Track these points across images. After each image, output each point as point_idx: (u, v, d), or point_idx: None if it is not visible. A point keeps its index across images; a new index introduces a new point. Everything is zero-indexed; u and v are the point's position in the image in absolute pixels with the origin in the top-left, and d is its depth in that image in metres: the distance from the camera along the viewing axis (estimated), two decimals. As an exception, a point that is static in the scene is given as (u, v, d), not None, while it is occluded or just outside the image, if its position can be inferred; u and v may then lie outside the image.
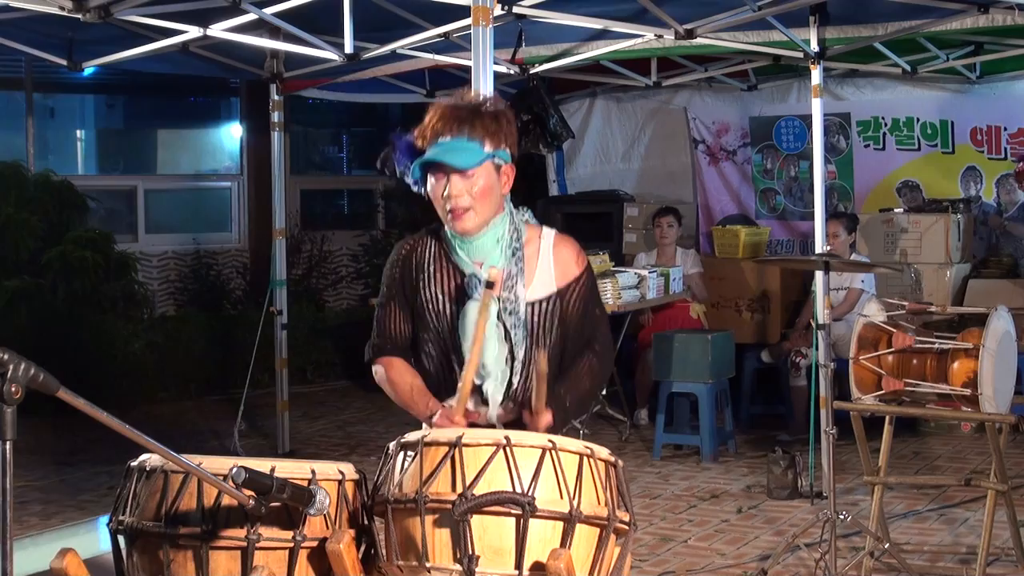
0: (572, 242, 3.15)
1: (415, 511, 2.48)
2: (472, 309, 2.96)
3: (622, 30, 6.92)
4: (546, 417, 2.90)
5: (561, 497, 2.48)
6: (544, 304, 3.04)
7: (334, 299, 11.94)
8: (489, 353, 2.97)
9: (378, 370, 3.11)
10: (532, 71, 8.30)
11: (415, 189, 3.06)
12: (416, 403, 3.01)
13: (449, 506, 2.44)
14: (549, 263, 3.07)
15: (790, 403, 8.17)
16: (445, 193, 2.95)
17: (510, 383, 3.00)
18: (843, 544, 5.35)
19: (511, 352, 2.99)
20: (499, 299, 2.96)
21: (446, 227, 3.03)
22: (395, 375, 3.07)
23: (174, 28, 6.61)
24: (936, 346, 4.83)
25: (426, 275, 3.06)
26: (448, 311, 3.03)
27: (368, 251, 12.09)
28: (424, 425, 3.04)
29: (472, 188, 2.94)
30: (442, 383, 3.05)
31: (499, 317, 2.97)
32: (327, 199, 13.08)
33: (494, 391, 3.00)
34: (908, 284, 8.38)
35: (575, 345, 3.08)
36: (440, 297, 3.04)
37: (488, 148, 2.95)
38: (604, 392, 7.73)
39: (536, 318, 3.02)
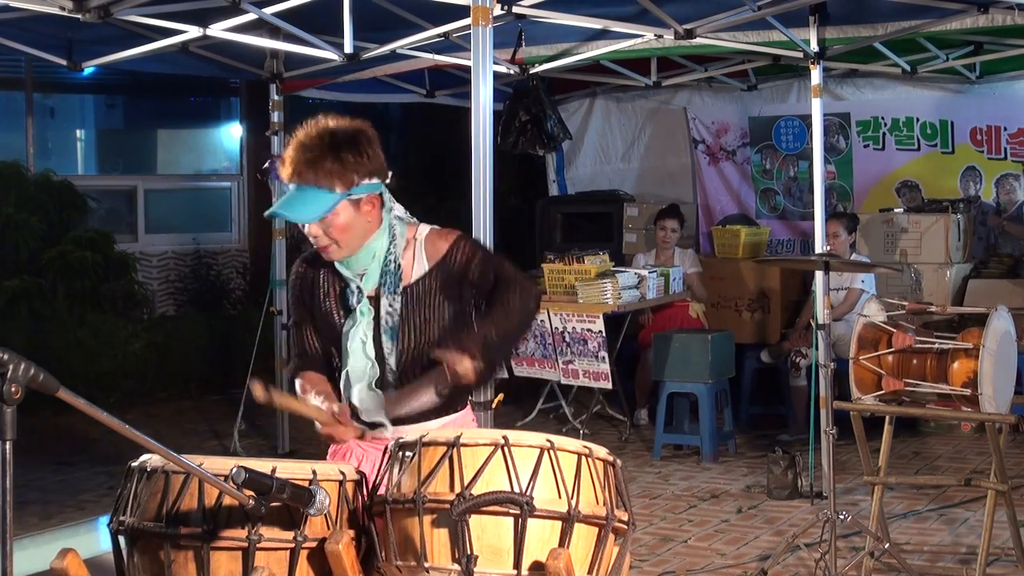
0: (442, 231, 3.15)
1: (413, 511, 2.48)
2: (352, 322, 3.05)
3: (622, 30, 6.92)
4: (463, 359, 2.87)
5: (559, 497, 2.48)
6: (423, 281, 3.06)
7: (334, 299, 11.93)
8: (355, 365, 3.05)
9: (296, 385, 3.16)
10: (532, 71, 8.30)
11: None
12: (311, 408, 3.05)
13: (447, 506, 2.44)
14: (422, 253, 3.10)
15: (790, 403, 8.17)
16: (306, 232, 3.03)
17: (384, 376, 3.04)
18: (843, 544, 5.35)
19: (379, 348, 3.03)
20: (370, 310, 3.04)
21: None
22: (308, 386, 3.11)
23: (174, 28, 6.61)
24: (936, 346, 4.83)
25: (321, 291, 3.14)
26: (340, 322, 3.10)
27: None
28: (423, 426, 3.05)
29: (328, 228, 2.99)
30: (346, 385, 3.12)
31: (375, 332, 3.04)
32: (327, 199, 13.07)
33: (364, 398, 3.06)
34: (908, 284, 8.38)
35: (483, 293, 3.10)
36: (333, 310, 3.12)
37: (339, 190, 2.95)
38: (604, 390, 7.73)
39: (412, 299, 3.05)
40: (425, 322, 3.05)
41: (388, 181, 3.07)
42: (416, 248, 3.11)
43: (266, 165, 3.07)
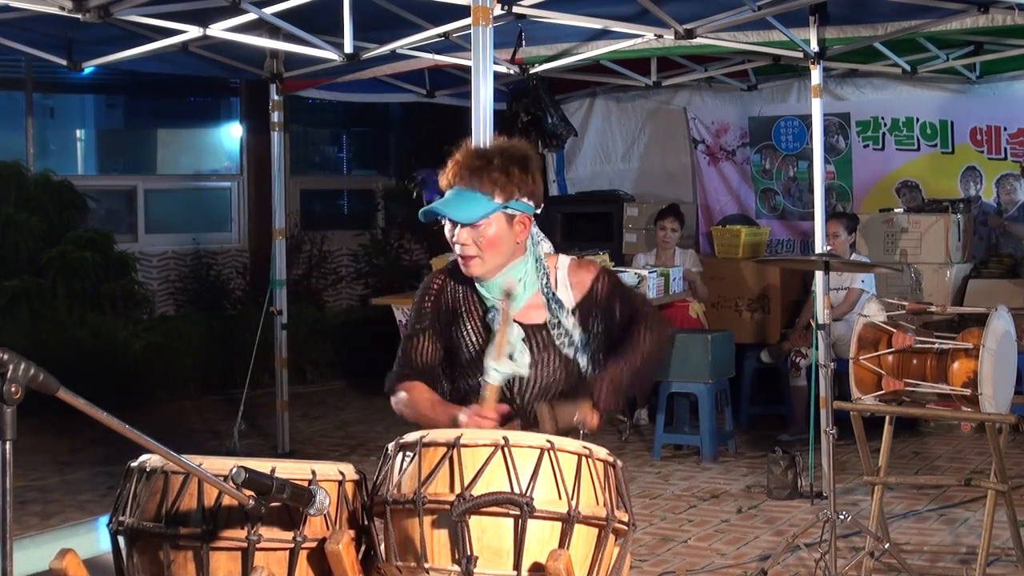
0: (583, 262, 3.20)
1: (413, 512, 2.48)
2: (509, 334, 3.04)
3: (622, 30, 6.92)
4: (592, 414, 2.93)
5: (559, 497, 2.48)
6: (573, 315, 3.09)
7: (334, 299, 11.94)
8: (519, 359, 3.03)
9: (399, 395, 3.13)
10: (532, 71, 8.30)
11: (424, 221, 3.11)
12: (438, 414, 3.03)
13: (447, 507, 2.44)
14: (567, 285, 3.12)
15: (790, 403, 8.17)
16: (453, 239, 3.03)
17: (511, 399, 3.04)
18: (843, 544, 5.35)
19: (549, 374, 3.06)
20: (535, 330, 3.05)
21: None
22: (416, 394, 3.10)
23: (174, 28, 6.61)
24: (936, 346, 4.83)
25: (462, 310, 3.12)
26: (481, 346, 3.08)
27: (368, 251, 12.09)
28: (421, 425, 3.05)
29: (479, 238, 2.99)
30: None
31: (536, 350, 3.05)
32: (327, 199, 13.08)
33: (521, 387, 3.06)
34: (908, 284, 8.38)
35: (621, 331, 3.11)
36: (473, 335, 3.10)
37: (499, 200, 2.98)
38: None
39: (552, 335, 3.07)
40: (562, 357, 3.06)
41: (538, 211, 3.09)
42: (559, 279, 3.13)
43: (418, 176, 3.13)
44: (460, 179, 2.99)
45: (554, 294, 3.07)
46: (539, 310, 3.08)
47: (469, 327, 3.10)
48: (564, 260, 3.18)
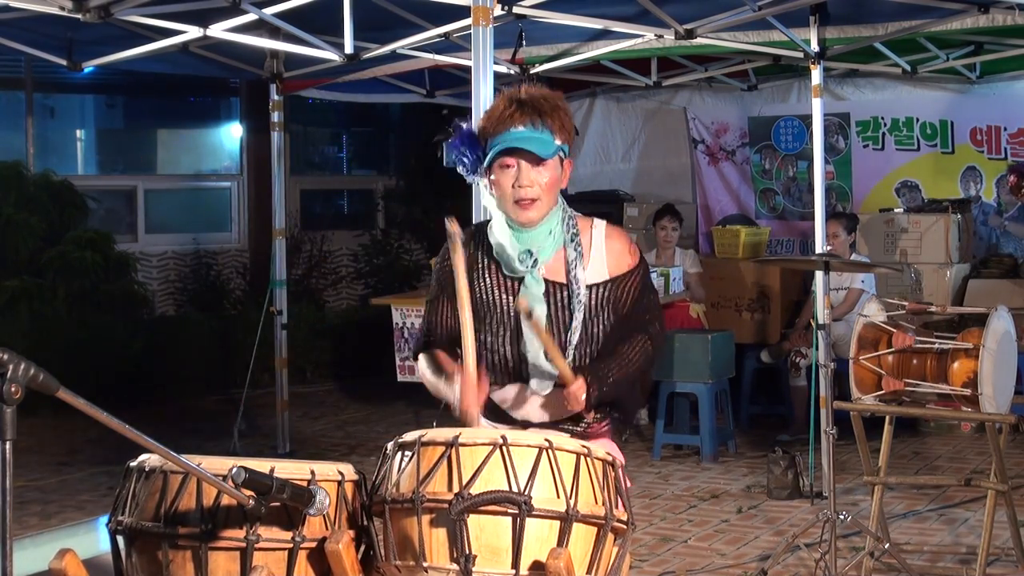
0: (623, 234, 3.18)
1: (412, 511, 2.48)
2: (530, 292, 3.00)
3: (622, 30, 6.92)
4: (577, 384, 2.89)
5: (558, 496, 2.48)
6: (599, 289, 3.05)
7: (334, 299, 11.95)
8: (539, 313, 2.99)
9: (420, 361, 3.11)
10: (532, 71, 8.30)
11: (468, 179, 3.08)
12: (440, 383, 2.99)
13: (446, 506, 2.44)
14: (602, 253, 3.08)
15: (790, 403, 8.17)
16: (516, 183, 2.97)
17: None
18: (843, 544, 5.35)
19: (563, 336, 3.00)
20: (541, 280, 3.00)
21: (504, 217, 3.03)
22: (425, 360, 3.07)
23: (174, 28, 6.61)
24: (936, 346, 4.83)
25: (480, 267, 3.07)
26: (502, 302, 3.04)
27: (368, 251, 12.09)
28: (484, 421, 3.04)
29: (542, 179, 2.97)
30: (498, 372, 3.06)
31: (544, 297, 3.00)
32: (327, 199, 13.09)
33: (539, 385, 3.03)
34: (908, 284, 8.38)
35: (626, 329, 3.08)
36: (495, 289, 3.05)
37: (558, 141, 2.98)
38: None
39: (591, 301, 3.04)
40: (589, 332, 3.03)
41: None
42: (595, 237, 3.09)
43: (441, 137, 3.01)
44: (524, 119, 2.94)
45: (579, 254, 3.02)
46: (562, 266, 3.04)
47: (492, 285, 3.04)
48: (600, 223, 3.14)
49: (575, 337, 3.01)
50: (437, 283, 3.14)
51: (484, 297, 3.05)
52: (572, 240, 3.04)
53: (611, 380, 2.98)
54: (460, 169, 3.07)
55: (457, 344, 2.96)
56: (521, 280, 3.03)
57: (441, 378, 3.00)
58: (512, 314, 3.03)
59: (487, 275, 3.06)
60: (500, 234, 3.04)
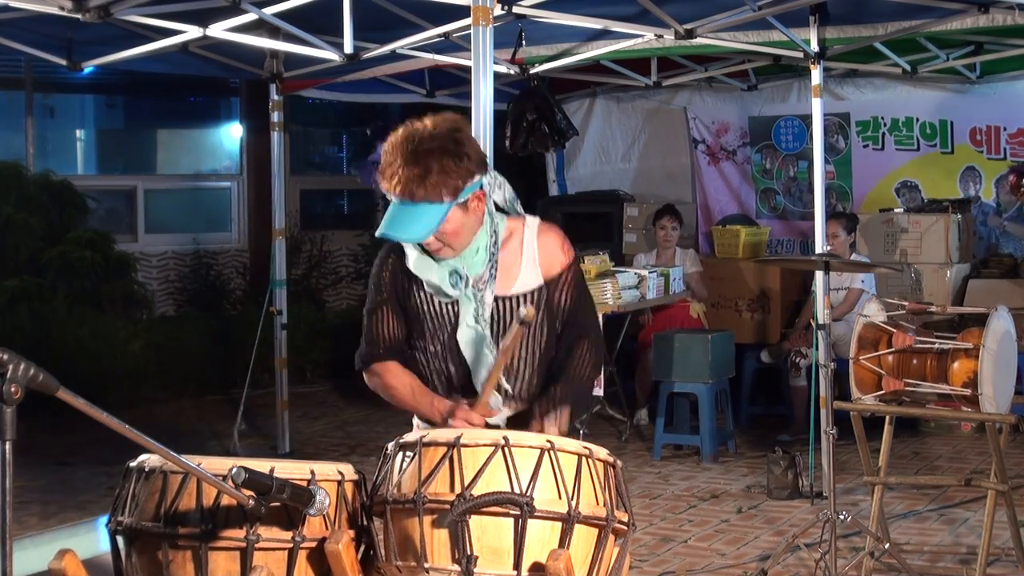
0: (556, 231, 3.14)
1: (413, 511, 2.48)
2: (467, 310, 2.99)
3: (622, 30, 6.91)
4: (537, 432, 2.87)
5: (559, 497, 2.48)
6: (533, 296, 3.04)
7: (334, 299, 11.94)
8: (471, 352, 3.01)
9: (372, 377, 3.10)
10: (532, 71, 8.30)
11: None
12: (420, 403, 3.02)
13: (447, 506, 2.44)
14: (533, 255, 3.07)
15: (790, 403, 8.17)
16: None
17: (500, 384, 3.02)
18: (843, 544, 5.34)
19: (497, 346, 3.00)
20: (475, 298, 3.00)
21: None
22: (392, 379, 3.07)
23: (174, 28, 6.60)
24: (936, 346, 4.83)
25: (417, 278, 3.06)
26: (442, 311, 3.04)
27: (368, 251, 12.07)
28: (417, 423, 3.05)
29: (442, 235, 2.94)
30: (440, 382, 3.06)
31: (476, 320, 3.00)
32: (327, 199, 13.09)
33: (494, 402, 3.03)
34: (908, 284, 8.38)
35: (569, 335, 3.08)
36: (433, 297, 3.05)
37: (447, 199, 2.89)
38: (603, 392, 7.72)
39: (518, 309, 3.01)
40: (527, 343, 3.03)
41: (488, 171, 3.02)
42: (526, 239, 3.07)
43: (371, 159, 3.00)
44: (403, 192, 2.87)
45: (494, 275, 3.00)
46: (529, 279, 3.04)
47: (430, 293, 3.04)
48: (532, 221, 3.12)
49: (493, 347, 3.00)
50: (376, 292, 3.11)
51: (424, 308, 3.05)
52: (490, 259, 3.01)
53: (567, 403, 2.97)
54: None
55: (402, 355, 3.04)
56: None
57: (416, 400, 3.01)
58: (450, 329, 3.03)
59: (420, 290, 3.05)
60: (421, 265, 3.03)
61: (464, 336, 3.01)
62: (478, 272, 3.00)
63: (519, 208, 3.13)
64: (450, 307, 3.03)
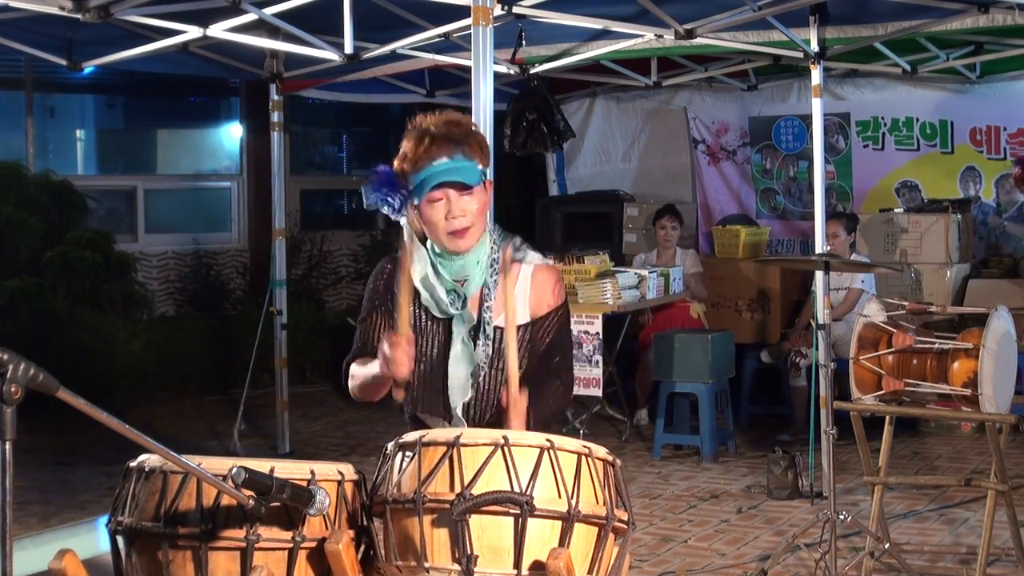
0: (552, 272, 3.12)
1: (413, 511, 2.48)
2: (458, 329, 2.99)
3: (622, 30, 6.92)
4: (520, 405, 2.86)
5: (559, 496, 2.48)
6: (518, 332, 3.00)
7: (334, 299, 11.94)
8: (460, 371, 3.00)
9: (350, 381, 3.07)
10: (532, 71, 8.30)
11: (394, 217, 3.07)
12: (371, 368, 2.95)
13: (447, 506, 2.44)
14: (525, 292, 3.06)
15: (790, 403, 8.18)
16: (448, 215, 2.95)
17: (468, 401, 3.01)
18: (843, 544, 5.35)
19: (474, 370, 2.99)
20: (471, 317, 2.99)
21: (434, 246, 3.02)
22: (355, 371, 3.05)
23: (174, 28, 6.61)
24: (936, 346, 4.83)
25: (416, 292, 3.05)
26: (431, 328, 3.04)
27: (368, 251, 12.09)
28: (408, 414, 3.05)
29: (472, 207, 2.95)
30: (422, 396, 3.05)
31: (472, 335, 2.99)
32: (327, 199, 13.09)
33: (455, 407, 3.01)
34: (908, 284, 8.38)
35: (542, 369, 3.05)
36: (423, 314, 3.05)
37: (480, 166, 2.97)
38: (603, 392, 7.73)
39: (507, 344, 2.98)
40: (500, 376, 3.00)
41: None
42: (521, 276, 3.05)
43: (373, 172, 2.93)
44: (445, 151, 2.91)
45: (491, 289, 2.99)
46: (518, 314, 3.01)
47: (421, 310, 3.03)
48: (533, 258, 3.08)
49: (480, 376, 2.99)
50: (370, 302, 3.12)
51: (414, 324, 3.03)
52: (491, 268, 3.01)
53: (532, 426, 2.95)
54: (386, 210, 3.05)
55: None
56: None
57: (371, 363, 2.95)
58: (441, 340, 3.01)
59: (415, 304, 3.04)
60: (424, 278, 3.02)
61: (455, 354, 3.00)
62: (475, 287, 3.00)
63: (526, 248, 3.12)
64: (441, 325, 3.02)
